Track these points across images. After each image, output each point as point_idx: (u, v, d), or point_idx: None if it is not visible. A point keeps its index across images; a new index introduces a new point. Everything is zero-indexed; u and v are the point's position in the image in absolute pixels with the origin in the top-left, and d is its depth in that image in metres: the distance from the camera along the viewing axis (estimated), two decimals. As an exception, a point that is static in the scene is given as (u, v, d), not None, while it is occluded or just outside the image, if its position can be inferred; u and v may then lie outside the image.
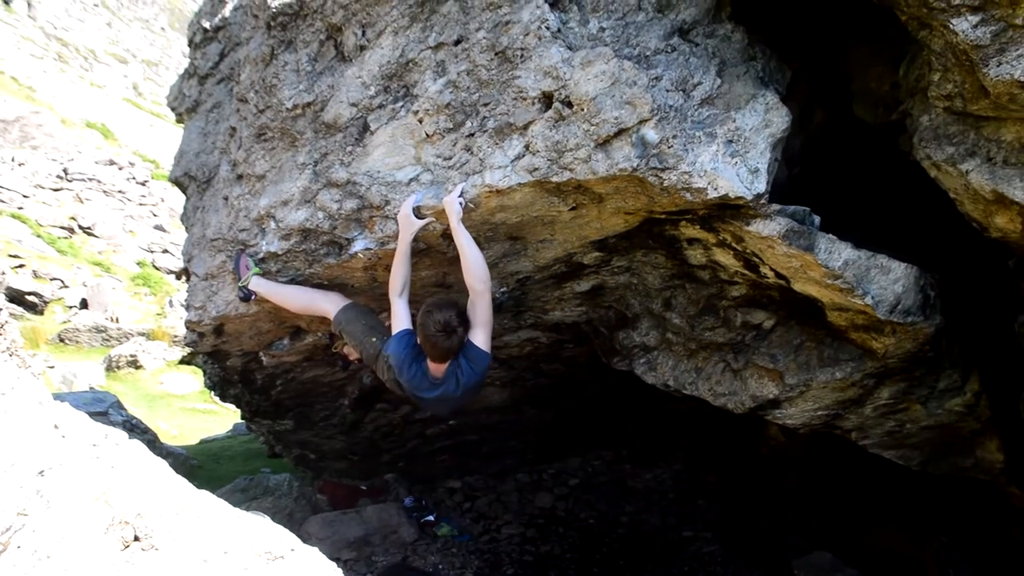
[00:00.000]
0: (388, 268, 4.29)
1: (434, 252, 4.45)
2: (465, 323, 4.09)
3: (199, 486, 2.96)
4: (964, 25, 3.01)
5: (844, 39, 4.59)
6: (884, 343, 4.33)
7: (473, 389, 4.31)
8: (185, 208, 6.39)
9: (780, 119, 3.80)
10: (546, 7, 3.74)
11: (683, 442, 9.72)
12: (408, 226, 4.11)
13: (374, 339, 4.49)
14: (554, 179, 3.78)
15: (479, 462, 9.68)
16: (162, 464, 2.85)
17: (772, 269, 4.25)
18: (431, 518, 8.71)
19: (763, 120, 3.79)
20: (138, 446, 2.85)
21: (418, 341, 4.15)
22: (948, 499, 6.54)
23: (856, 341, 4.48)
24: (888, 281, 4.08)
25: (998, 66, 3.01)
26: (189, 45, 6.49)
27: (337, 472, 9.39)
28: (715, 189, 3.62)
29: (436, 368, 4.17)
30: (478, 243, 4.07)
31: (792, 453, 8.29)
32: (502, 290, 5.01)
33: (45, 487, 2.28)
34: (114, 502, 2.42)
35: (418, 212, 4.12)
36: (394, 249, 4.25)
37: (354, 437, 8.17)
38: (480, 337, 4.15)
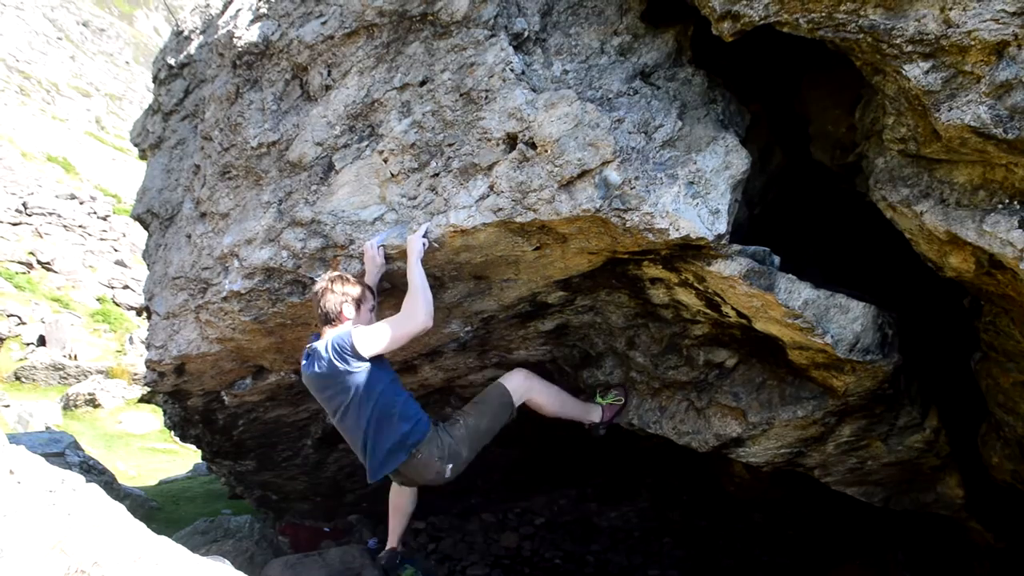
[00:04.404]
0: (352, 307, 4.26)
1: (399, 292, 4.43)
2: (357, 298, 4.08)
3: (158, 529, 2.90)
4: (916, 71, 3.09)
5: (802, 82, 4.69)
6: (844, 381, 4.38)
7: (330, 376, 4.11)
8: (147, 245, 6.32)
9: (740, 161, 3.87)
10: (510, 50, 3.79)
11: (648, 480, 9.69)
12: (374, 266, 4.10)
13: None
14: (518, 219, 3.80)
15: (444, 501, 9.55)
16: (120, 509, 2.78)
17: (733, 308, 4.29)
18: (395, 559, 8.56)
19: (723, 162, 3.85)
20: (96, 491, 2.78)
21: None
22: (912, 535, 6.58)
23: (817, 379, 4.53)
24: (847, 320, 4.13)
25: (949, 111, 3.08)
26: (154, 81, 6.46)
27: (300, 513, 9.23)
28: (677, 230, 3.67)
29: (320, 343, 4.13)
30: (443, 282, 4.07)
31: (757, 491, 8.31)
32: (466, 329, 5.00)
33: (-3, 535, 2.23)
34: (70, 550, 2.36)
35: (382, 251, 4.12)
36: (357, 289, 4.22)
37: (317, 477, 8.05)
38: (364, 333, 4.02)
